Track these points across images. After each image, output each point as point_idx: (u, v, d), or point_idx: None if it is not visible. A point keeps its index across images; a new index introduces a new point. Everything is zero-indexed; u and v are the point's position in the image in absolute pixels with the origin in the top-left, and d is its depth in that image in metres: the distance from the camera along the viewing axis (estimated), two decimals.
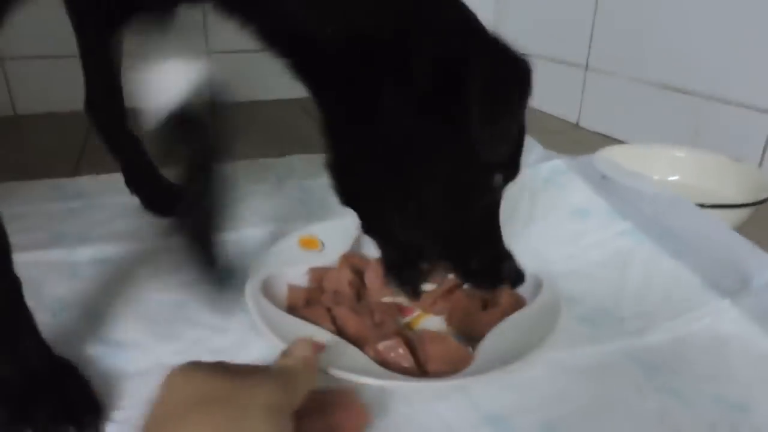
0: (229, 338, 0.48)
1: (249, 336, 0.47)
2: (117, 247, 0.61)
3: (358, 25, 0.38)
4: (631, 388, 0.43)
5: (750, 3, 0.81)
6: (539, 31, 1.20)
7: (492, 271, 0.47)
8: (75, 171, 0.85)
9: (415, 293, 0.49)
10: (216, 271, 0.45)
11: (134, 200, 0.71)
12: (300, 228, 0.59)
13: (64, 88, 0.79)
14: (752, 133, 0.82)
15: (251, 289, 0.48)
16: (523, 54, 0.38)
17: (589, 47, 1.09)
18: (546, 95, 1.16)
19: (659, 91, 0.96)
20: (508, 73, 0.39)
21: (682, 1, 0.91)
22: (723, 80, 0.86)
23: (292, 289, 0.50)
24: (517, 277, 0.47)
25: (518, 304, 0.50)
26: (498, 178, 0.43)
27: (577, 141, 1.05)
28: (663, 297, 0.53)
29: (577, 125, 1.14)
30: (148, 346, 0.47)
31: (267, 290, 0.48)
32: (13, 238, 0.39)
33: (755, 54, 0.81)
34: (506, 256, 0.47)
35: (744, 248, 0.54)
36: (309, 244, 0.56)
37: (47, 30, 0.82)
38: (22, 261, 0.40)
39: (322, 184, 0.46)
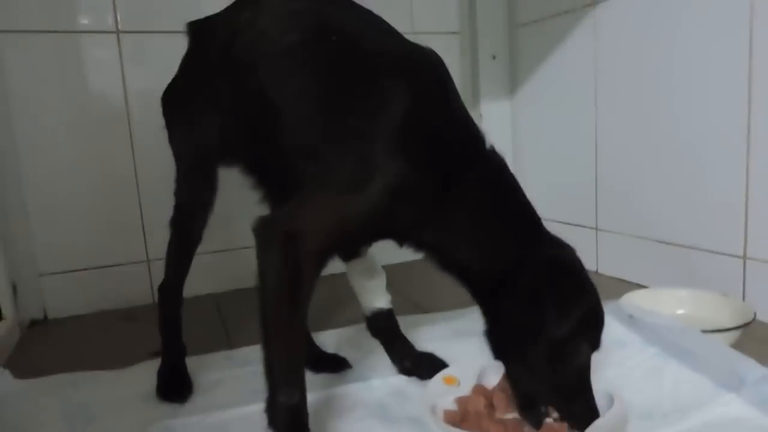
0: None
1: None
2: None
3: (495, 265, 0.68)
4: None
5: (721, 175, 1.14)
6: (555, 201, 1.55)
7: (583, 417, 0.68)
8: (229, 344, 1.12)
9: (538, 424, 0.70)
10: None
11: None
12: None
13: None
14: (733, 273, 1.11)
15: (430, 414, 0.72)
16: (589, 285, 0.67)
17: (596, 214, 1.43)
18: None
19: (658, 245, 1.27)
20: (574, 300, 0.66)
21: (666, 175, 1.25)
22: (706, 234, 1.16)
23: (448, 413, 0.74)
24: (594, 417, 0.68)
25: None
26: (585, 347, 0.68)
27: (599, 284, 1.32)
28: (690, 396, 0.77)
29: (597, 273, 1.44)
30: None
31: (434, 412, 0.73)
32: (223, 399, 0.72)
33: (729, 213, 1.10)
34: (592, 404, 0.68)
35: (737, 357, 0.81)
36: (450, 381, 0.80)
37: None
38: (236, 415, 0.75)
39: None
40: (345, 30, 0.73)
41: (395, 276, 1.37)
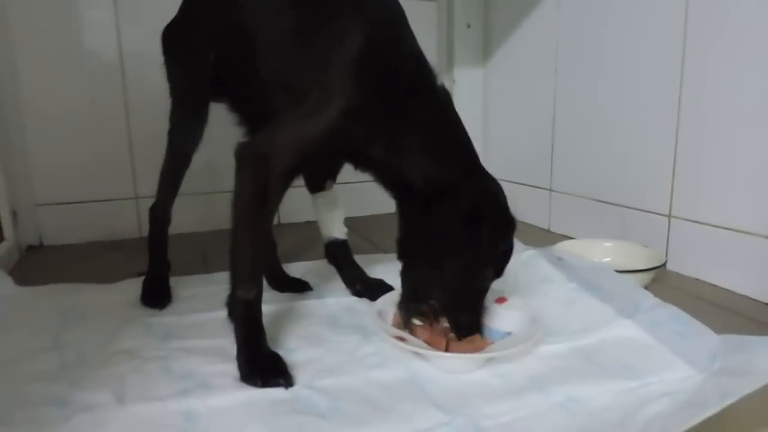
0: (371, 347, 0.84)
1: (387, 348, 0.84)
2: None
3: (435, 184, 0.78)
4: (578, 363, 0.81)
5: (654, 144, 1.27)
6: (516, 163, 1.67)
7: (469, 325, 0.81)
8: (207, 272, 1.25)
9: (407, 323, 0.82)
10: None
11: None
12: None
13: None
14: (660, 229, 1.24)
15: (375, 316, 0.86)
16: (513, 214, 0.79)
17: (551, 176, 1.55)
18: (526, 210, 1.61)
19: (600, 204, 1.40)
20: (505, 225, 0.78)
21: (609, 142, 1.37)
22: (639, 196, 1.30)
23: (396, 317, 0.86)
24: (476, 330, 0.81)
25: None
26: (490, 271, 0.80)
27: (548, 239, 1.45)
28: (594, 320, 0.90)
29: (548, 231, 1.57)
30: (306, 349, 0.84)
31: (381, 315, 0.86)
32: (196, 306, 0.86)
33: (658, 179, 1.23)
34: (479, 318, 0.82)
35: (637, 291, 0.94)
36: None
37: None
38: (207, 318, 0.89)
39: None
40: None
41: (365, 225, 1.51)
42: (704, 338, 0.81)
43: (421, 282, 0.81)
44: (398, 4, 0.83)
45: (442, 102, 0.82)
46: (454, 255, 0.78)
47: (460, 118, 0.83)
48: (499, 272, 0.82)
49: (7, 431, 0.63)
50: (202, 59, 0.94)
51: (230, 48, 0.90)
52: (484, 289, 0.83)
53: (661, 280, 1.12)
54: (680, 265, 1.18)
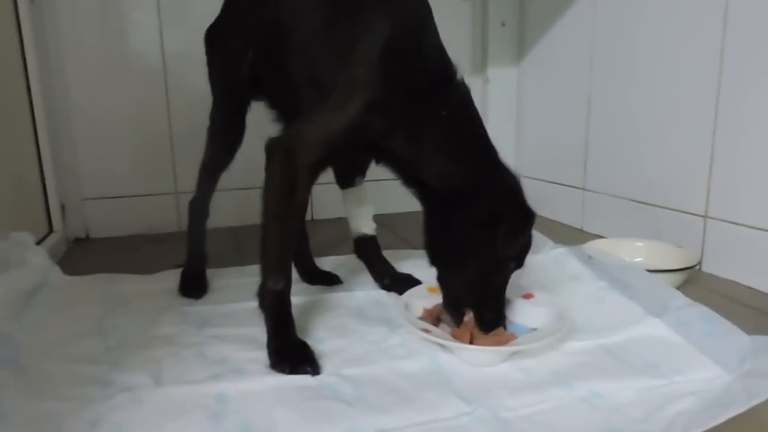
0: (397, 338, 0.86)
1: (413, 339, 0.86)
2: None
3: (452, 184, 0.80)
4: (603, 359, 0.81)
5: (691, 144, 1.25)
6: (550, 162, 1.66)
7: (495, 320, 0.83)
8: (242, 264, 1.29)
9: (457, 323, 0.84)
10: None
11: None
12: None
13: None
14: (695, 230, 1.22)
15: (402, 308, 0.88)
16: (532, 209, 0.79)
17: (585, 175, 1.54)
18: (558, 209, 1.60)
19: (634, 204, 1.38)
20: (522, 221, 0.79)
21: (645, 141, 1.36)
22: (674, 196, 1.28)
23: (425, 309, 0.89)
24: (504, 324, 0.84)
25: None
26: (511, 265, 0.82)
27: (580, 239, 1.44)
28: (622, 318, 0.90)
29: (581, 230, 1.56)
30: (334, 340, 0.87)
31: (408, 308, 0.88)
32: (230, 297, 0.86)
33: (695, 178, 1.21)
34: (503, 312, 0.84)
35: (666, 290, 0.93)
36: (432, 290, 0.93)
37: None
38: (240, 308, 0.91)
39: None
40: None
41: (394, 222, 1.54)
42: (734, 338, 0.80)
43: (460, 288, 0.83)
44: (425, 2, 0.84)
45: (461, 98, 0.82)
46: (477, 255, 0.80)
47: (478, 114, 0.84)
48: (520, 263, 0.83)
49: (56, 407, 0.68)
50: (241, 57, 0.97)
51: (266, 45, 0.93)
52: (506, 283, 0.84)
53: (695, 282, 1.10)
54: (716, 266, 1.16)
